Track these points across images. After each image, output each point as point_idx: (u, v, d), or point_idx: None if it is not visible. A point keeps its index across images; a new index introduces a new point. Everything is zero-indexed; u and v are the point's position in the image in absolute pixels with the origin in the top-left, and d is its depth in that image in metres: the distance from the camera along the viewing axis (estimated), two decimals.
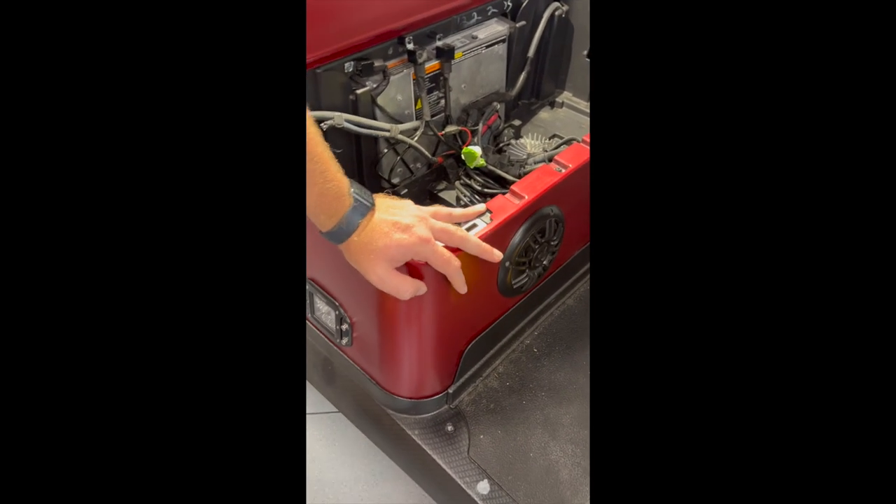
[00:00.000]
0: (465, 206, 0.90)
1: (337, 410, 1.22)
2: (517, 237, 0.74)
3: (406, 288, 0.64)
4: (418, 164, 1.10)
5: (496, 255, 0.68)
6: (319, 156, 0.55)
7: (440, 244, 0.63)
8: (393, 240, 0.60)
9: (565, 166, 0.78)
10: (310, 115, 0.55)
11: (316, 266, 0.80)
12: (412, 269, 0.65)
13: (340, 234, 0.59)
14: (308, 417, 1.23)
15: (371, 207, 0.60)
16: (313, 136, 0.55)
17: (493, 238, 0.69)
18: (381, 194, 0.63)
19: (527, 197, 0.73)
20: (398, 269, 0.63)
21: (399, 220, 0.61)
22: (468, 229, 0.68)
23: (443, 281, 0.66)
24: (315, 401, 1.23)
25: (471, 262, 0.67)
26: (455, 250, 0.65)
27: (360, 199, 0.59)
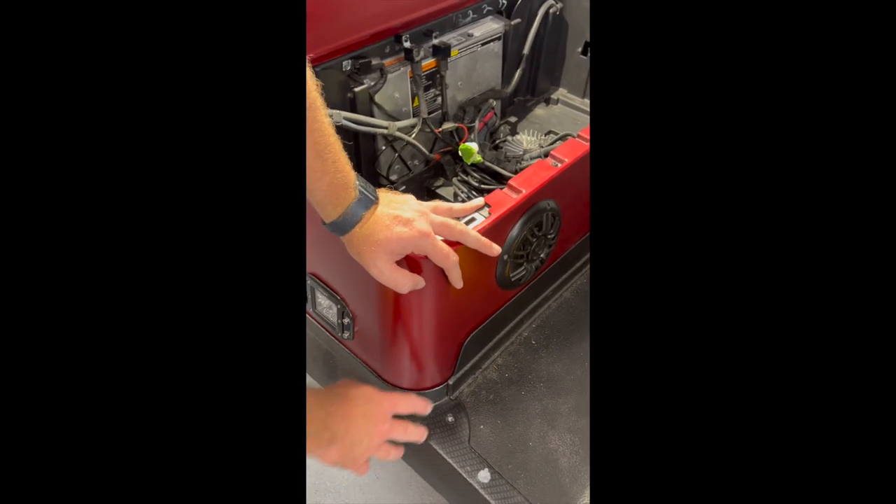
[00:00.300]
0: (463, 201, 0.92)
1: None
2: (515, 231, 0.76)
3: (405, 282, 0.65)
4: (416, 161, 1.12)
5: (495, 248, 0.70)
6: (332, 146, 0.57)
7: (440, 238, 0.65)
8: (394, 233, 0.61)
9: (561, 161, 0.80)
10: (325, 108, 0.56)
11: (318, 261, 0.82)
12: (412, 262, 0.66)
13: (344, 224, 0.61)
14: None
15: (375, 201, 0.62)
16: (327, 126, 0.56)
17: (491, 232, 0.70)
18: (383, 189, 0.65)
19: (524, 191, 0.74)
20: (399, 262, 0.65)
21: (400, 214, 0.62)
22: (467, 223, 0.69)
23: (443, 274, 0.68)
24: None
25: (470, 256, 0.69)
26: (454, 244, 0.66)
27: (364, 192, 0.61)
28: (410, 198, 0.65)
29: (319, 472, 1.18)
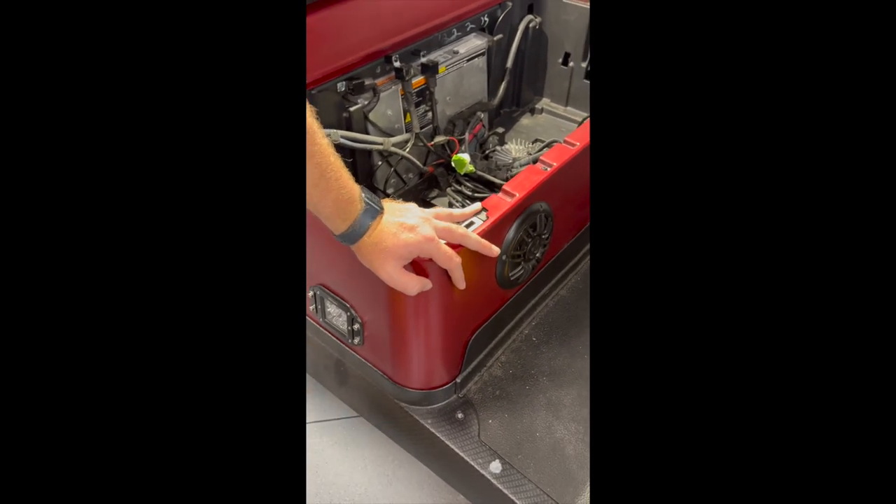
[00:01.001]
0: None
1: (349, 416, 1.27)
2: (511, 232, 0.80)
3: (413, 285, 0.70)
4: (411, 174, 1.16)
5: (494, 249, 0.74)
6: (332, 165, 0.61)
7: (443, 242, 0.69)
8: (400, 239, 0.66)
9: (550, 165, 0.84)
10: (322, 131, 0.61)
11: (327, 272, 0.86)
12: (418, 266, 0.70)
13: (353, 235, 0.65)
14: (321, 424, 1.28)
15: (380, 211, 0.66)
16: (325, 147, 0.60)
17: (489, 234, 0.75)
18: (387, 199, 0.69)
19: (518, 195, 0.79)
20: (405, 266, 0.69)
21: (405, 222, 0.67)
22: (466, 227, 0.74)
23: (447, 276, 0.72)
24: (327, 407, 1.28)
25: (471, 258, 0.73)
26: (456, 247, 0.71)
27: (370, 203, 0.65)
28: (413, 206, 0.70)
29: (332, 482, 1.21)
